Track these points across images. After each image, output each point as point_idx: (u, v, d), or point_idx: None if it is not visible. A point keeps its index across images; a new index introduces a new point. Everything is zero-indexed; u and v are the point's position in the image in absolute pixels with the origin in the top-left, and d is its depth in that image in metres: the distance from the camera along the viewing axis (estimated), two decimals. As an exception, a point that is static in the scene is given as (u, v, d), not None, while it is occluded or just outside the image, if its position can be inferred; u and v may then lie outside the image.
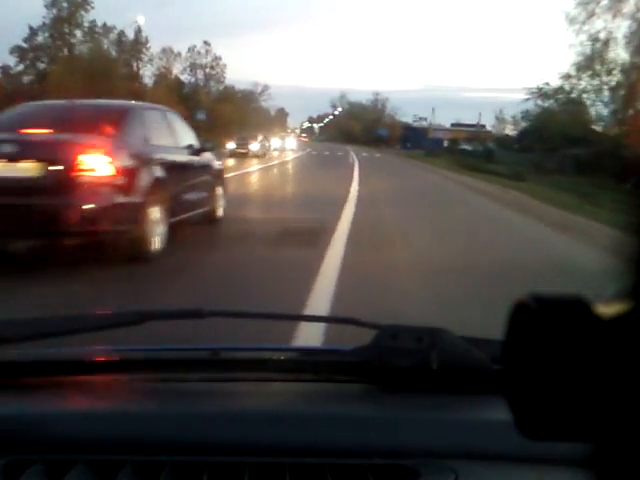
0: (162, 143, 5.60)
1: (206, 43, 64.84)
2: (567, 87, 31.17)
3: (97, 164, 4.53)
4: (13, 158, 4.47)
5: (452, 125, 72.62)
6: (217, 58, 65.95)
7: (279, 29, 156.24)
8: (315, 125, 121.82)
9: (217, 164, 7.28)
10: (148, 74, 53.68)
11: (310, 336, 1.22)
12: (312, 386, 1.01)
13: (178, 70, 59.39)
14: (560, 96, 31.41)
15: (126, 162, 4.79)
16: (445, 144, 55.52)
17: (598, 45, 29.01)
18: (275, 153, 37.94)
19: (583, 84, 30.44)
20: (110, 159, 4.60)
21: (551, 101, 32.07)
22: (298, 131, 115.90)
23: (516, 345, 0.34)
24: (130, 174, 4.76)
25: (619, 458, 0.31)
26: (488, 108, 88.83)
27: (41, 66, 43.60)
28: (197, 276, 4.68)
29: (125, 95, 33.27)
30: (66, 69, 36.51)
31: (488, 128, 67.25)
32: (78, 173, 4.47)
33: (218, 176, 7.19)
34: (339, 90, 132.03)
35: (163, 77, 55.51)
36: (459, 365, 0.93)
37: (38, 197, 4.42)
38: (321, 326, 1.06)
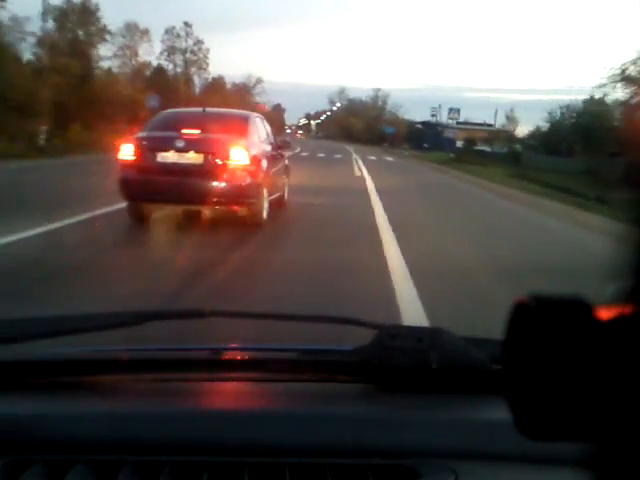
0: (263, 141, 7.60)
1: (186, 24, 55.23)
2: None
3: (238, 156, 6.49)
4: (182, 150, 6.44)
5: (458, 124, 66.42)
6: (199, 42, 56.20)
7: (276, 25, 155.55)
8: (312, 122, 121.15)
9: (285, 159, 9.12)
10: (108, 54, 43.13)
11: (310, 336, 1.22)
12: (312, 386, 1.01)
13: (145, 51, 48.93)
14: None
15: (253, 155, 6.68)
16: (457, 144, 46.88)
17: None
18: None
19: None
20: (246, 152, 6.56)
21: (629, 90, 24.33)
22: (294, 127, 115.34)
23: (516, 345, 0.34)
24: (255, 163, 6.68)
25: (619, 458, 0.31)
26: (489, 108, 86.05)
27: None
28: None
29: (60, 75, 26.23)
30: None
31: (495, 127, 59.47)
32: (226, 161, 6.44)
33: (287, 167, 9.09)
34: (338, 86, 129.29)
35: (126, 59, 46.44)
36: (459, 365, 0.93)
37: (198, 178, 6.37)
38: (321, 326, 1.06)
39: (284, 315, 1.18)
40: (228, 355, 1.05)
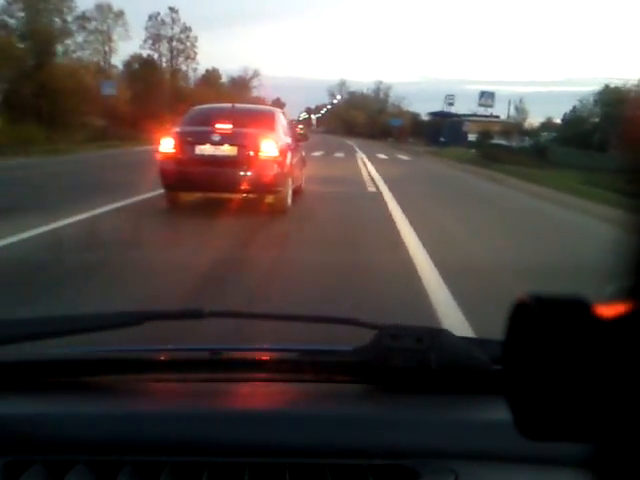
0: (287, 134, 8.24)
1: (172, 10, 49.24)
2: None
3: (268, 148, 7.19)
4: (217, 143, 7.16)
5: (465, 116, 52.19)
6: (186, 29, 49.97)
7: (276, 20, 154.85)
8: (312, 116, 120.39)
9: (302, 150, 9.84)
10: (78, 39, 37.14)
11: (310, 336, 1.22)
12: (312, 386, 1.01)
13: (120, 36, 42.11)
14: None
15: (280, 147, 7.39)
16: (469, 137, 40.47)
17: None
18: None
19: None
20: (275, 145, 7.26)
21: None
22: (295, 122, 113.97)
23: (516, 345, 0.34)
24: (282, 155, 7.38)
25: (619, 458, 0.31)
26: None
27: None
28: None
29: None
30: None
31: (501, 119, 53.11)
32: (257, 153, 7.14)
33: (303, 159, 9.81)
34: (338, 80, 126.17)
35: (98, 45, 39.43)
36: (459, 365, 0.93)
37: (233, 168, 7.10)
38: (321, 326, 1.07)
39: (284, 315, 1.18)
40: (228, 355, 1.05)
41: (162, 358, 1.08)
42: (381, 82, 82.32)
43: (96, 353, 1.09)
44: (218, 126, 7.25)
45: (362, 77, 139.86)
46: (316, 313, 1.73)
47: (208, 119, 7.61)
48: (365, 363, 0.94)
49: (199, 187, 7.44)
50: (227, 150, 7.19)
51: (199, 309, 1.02)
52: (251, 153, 7.14)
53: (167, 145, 7.33)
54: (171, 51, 50.42)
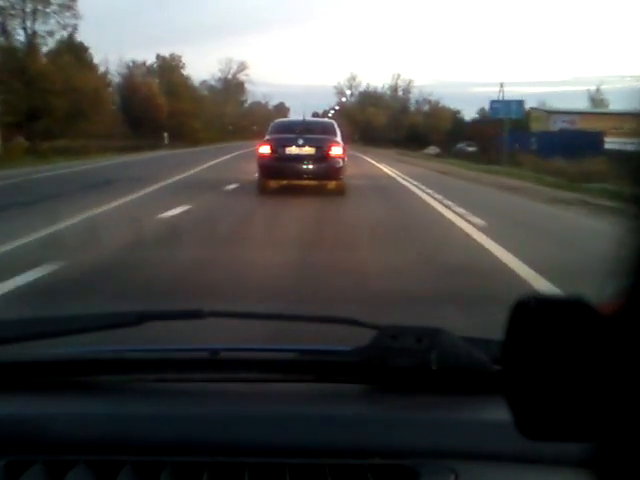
0: (342, 139, 11.28)
1: None
2: None
3: (336, 149, 10.49)
4: (300, 146, 10.41)
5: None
6: None
7: (279, 27, 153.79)
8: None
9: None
10: None
11: (310, 336, 1.22)
12: (312, 386, 1.01)
13: None
14: None
15: (342, 147, 10.69)
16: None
17: None
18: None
19: None
20: (340, 146, 10.60)
21: None
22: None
23: (516, 345, 0.34)
24: (344, 153, 10.63)
25: (619, 458, 0.31)
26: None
27: None
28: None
29: None
30: None
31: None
32: (329, 153, 10.40)
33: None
34: (348, 74, 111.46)
35: None
36: (459, 365, 0.93)
37: (311, 163, 10.35)
38: (321, 326, 1.07)
39: (284, 315, 1.18)
40: (228, 355, 1.05)
41: (162, 358, 1.08)
42: (399, 76, 68.39)
43: (96, 353, 1.09)
44: (299, 134, 10.46)
45: (373, 80, 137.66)
46: (316, 313, 1.72)
47: (289, 129, 10.97)
48: (365, 363, 0.94)
49: (288, 176, 10.57)
50: (307, 150, 10.39)
51: (199, 309, 1.02)
52: (324, 153, 10.32)
53: (264, 148, 10.55)
54: (32, 9, 26.56)
